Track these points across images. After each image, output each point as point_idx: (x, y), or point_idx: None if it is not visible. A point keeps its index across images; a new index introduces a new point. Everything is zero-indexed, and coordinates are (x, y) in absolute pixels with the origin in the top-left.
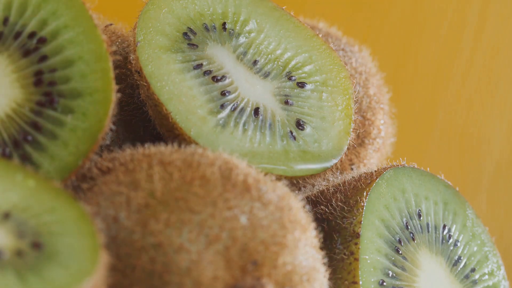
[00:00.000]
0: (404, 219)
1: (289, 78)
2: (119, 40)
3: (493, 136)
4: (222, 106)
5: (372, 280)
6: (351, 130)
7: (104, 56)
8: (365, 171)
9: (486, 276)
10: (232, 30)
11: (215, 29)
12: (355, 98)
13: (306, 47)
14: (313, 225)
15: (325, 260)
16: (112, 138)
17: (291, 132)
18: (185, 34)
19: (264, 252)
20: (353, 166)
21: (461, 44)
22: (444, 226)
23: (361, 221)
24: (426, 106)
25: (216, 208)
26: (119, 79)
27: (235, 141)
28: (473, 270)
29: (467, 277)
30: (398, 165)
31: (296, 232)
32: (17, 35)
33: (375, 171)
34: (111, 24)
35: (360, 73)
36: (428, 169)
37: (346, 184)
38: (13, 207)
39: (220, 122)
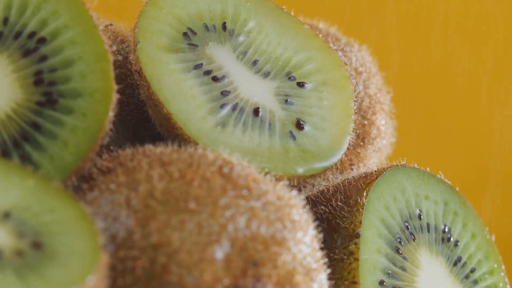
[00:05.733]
0: (404, 219)
1: (289, 78)
2: (119, 40)
3: (493, 136)
4: (222, 106)
5: (372, 280)
6: (351, 130)
7: (104, 56)
8: (365, 171)
9: (486, 276)
10: (232, 30)
11: (215, 29)
12: (355, 98)
13: (306, 47)
14: (313, 225)
15: (325, 260)
16: (112, 138)
17: (291, 132)
18: (185, 34)
19: (264, 252)
20: (353, 166)
21: (462, 44)
22: (444, 226)
23: (361, 221)
24: (426, 106)
25: (216, 208)
26: (119, 79)
27: (235, 141)
28: (473, 270)
29: (467, 277)
30: (398, 165)
31: (296, 232)
32: (17, 35)
33: (375, 171)
34: (111, 24)
35: (360, 73)
36: (428, 169)
37: (346, 184)
38: (13, 207)
39: (220, 122)
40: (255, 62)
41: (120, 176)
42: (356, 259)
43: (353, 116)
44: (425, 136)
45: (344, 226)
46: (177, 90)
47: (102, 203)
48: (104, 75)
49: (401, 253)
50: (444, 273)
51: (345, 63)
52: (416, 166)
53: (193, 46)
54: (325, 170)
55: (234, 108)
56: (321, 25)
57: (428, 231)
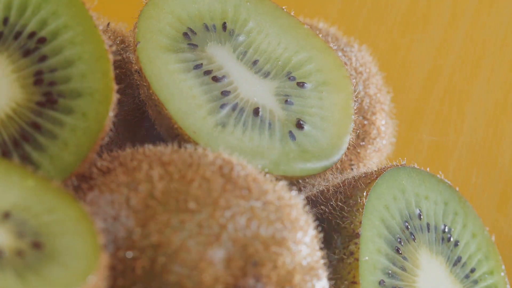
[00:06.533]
0: (404, 219)
1: (289, 78)
2: (119, 40)
3: (494, 136)
4: (222, 106)
5: (372, 280)
6: (351, 130)
7: (104, 56)
8: (365, 171)
9: (486, 276)
10: (232, 30)
11: (215, 29)
12: (355, 98)
13: (306, 47)
14: (313, 225)
15: (325, 260)
16: (112, 138)
17: (291, 132)
18: (185, 34)
19: (264, 252)
20: (353, 166)
21: (463, 44)
22: (445, 226)
23: (361, 221)
24: (426, 106)
25: (216, 208)
26: (119, 79)
27: (235, 141)
28: (473, 270)
29: (467, 277)
30: (398, 165)
31: (296, 232)
32: (17, 35)
33: (375, 171)
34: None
35: (360, 73)
36: (428, 169)
37: (346, 184)
38: (13, 207)
39: (220, 122)
40: (255, 62)
41: (120, 176)
42: (356, 259)
43: (353, 116)
44: (425, 135)
45: (344, 226)
46: (177, 90)
47: (102, 203)
48: (104, 75)
49: (401, 253)
50: (444, 273)
51: (345, 63)
52: (416, 166)
53: (193, 46)
54: (325, 170)
55: (234, 108)
56: (321, 25)
57: (428, 231)
